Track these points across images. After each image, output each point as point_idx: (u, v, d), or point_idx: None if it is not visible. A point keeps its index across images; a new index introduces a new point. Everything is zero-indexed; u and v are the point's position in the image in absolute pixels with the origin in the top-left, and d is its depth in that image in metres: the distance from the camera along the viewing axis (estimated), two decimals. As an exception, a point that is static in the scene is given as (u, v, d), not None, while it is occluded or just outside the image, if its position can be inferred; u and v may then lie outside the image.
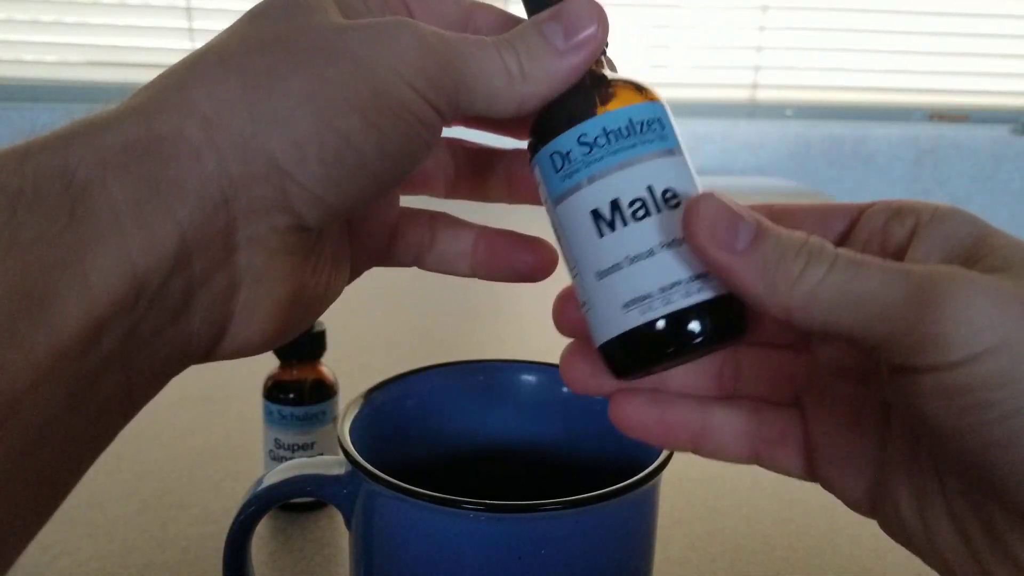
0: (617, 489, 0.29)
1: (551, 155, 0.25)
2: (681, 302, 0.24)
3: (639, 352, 0.24)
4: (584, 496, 0.28)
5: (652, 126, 0.25)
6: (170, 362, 0.23)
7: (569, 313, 0.27)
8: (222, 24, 0.24)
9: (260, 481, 0.33)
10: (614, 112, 0.25)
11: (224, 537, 0.34)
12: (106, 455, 0.22)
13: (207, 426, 0.58)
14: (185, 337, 0.23)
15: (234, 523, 0.33)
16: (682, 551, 0.47)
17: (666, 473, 0.31)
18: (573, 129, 0.25)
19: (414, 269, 0.32)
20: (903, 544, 0.25)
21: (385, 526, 0.30)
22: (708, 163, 1.52)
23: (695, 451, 0.28)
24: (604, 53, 0.27)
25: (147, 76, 0.23)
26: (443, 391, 0.39)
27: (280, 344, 0.26)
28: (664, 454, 0.31)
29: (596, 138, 0.25)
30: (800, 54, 1.50)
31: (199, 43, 0.23)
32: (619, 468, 0.33)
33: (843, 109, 1.54)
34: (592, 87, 0.26)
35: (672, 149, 0.25)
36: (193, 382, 0.64)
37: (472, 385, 0.39)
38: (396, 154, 0.24)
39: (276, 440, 0.48)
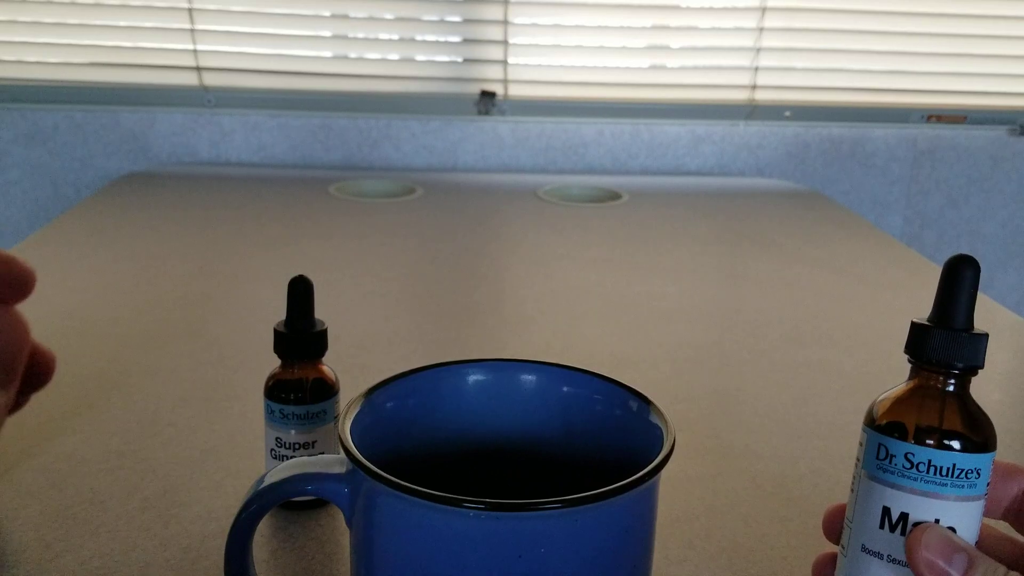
0: (617, 488, 0.29)
1: (879, 444, 0.31)
2: None
3: None
4: (584, 495, 0.29)
5: (970, 476, 0.30)
6: None
7: (833, 530, 0.34)
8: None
9: (261, 480, 0.33)
10: (944, 453, 0.30)
11: (226, 535, 0.34)
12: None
13: (209, 425, 0.58)
14: None
15: (235, 521, 0.34)
16: (681, 550, 0.47)
17: (665, 472, 0.32)
18: (909, 444, 0.30)
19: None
20: None
21: (386, 524, 0.31)
22: (707, 164, 1.53)
23: None
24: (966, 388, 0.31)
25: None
26: (443, 391, 0.39)
27: None
28: (663, 453, 0.31)
29: (920, 464, 0.30)
30: (798, 56, 1.50)
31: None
32: (618, 467, 0.33)
33: (841, 110, 1.54)
34: (959, 423, 0.30)
35: (973, 496, 0.30)
36: (195, 381, 0.65)
37: (472, 384, 0.39)
38: None
39: (277, 439, 0.48)
